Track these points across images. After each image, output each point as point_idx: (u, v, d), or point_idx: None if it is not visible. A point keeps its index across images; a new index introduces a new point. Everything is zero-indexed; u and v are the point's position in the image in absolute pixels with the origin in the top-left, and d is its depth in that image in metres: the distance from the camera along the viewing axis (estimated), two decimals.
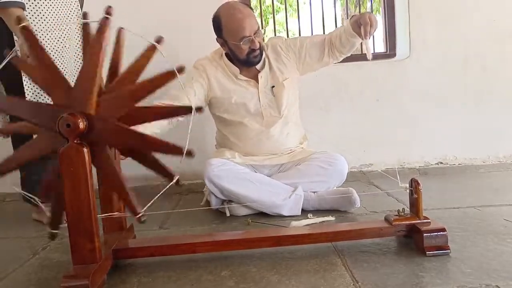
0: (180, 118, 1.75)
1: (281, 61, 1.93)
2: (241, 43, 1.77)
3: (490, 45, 2.42)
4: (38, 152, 1.15)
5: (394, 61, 2.49)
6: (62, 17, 1.73)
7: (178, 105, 1.10)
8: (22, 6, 1.58)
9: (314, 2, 2.58)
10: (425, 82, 2.44)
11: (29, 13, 1.63)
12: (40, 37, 1.65)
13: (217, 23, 1.83)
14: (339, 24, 2.64)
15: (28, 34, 1.09)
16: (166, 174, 1.13)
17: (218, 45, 1.94)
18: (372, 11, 3.44)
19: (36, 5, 1.65)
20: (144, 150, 1.14)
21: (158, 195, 1.12)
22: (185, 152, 1.04)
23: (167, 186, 1.11)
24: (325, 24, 2.58)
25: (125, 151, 1.20)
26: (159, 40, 1.10)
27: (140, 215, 1.09)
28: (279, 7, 7.88)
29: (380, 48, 2.66)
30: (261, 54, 1.86)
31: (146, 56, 1.12)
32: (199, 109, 1.05)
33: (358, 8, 3.07)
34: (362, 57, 2.58)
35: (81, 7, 1.89)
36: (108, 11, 1.07)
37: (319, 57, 1.94)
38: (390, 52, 2.54)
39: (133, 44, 1.16)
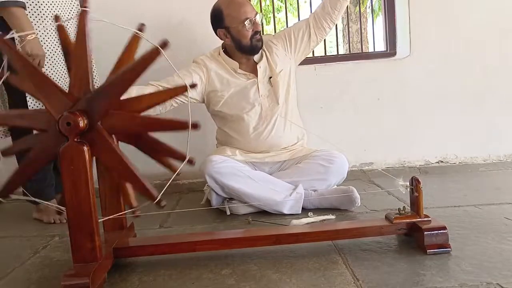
0: (174, 104, 1.80)
1: (274, 54, 1.96)
2: (245, 24, 1.81)
3: (490, 44, 2.41)
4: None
5: (395, 60, 2.48)
6: (62, 16, 1.73)
7: (173, 86, 1.09)
8: (23, 6, 1.58)
9: (314, 1, 2.58)
10: (426, 81, 2.44)
11: (29, 12, 1.63)
12: (40, 36, 1.65)
13: (218, 13, 1.86)
14: (339, 23, 2.63)
15: (8, 49, 1.09)
16: (178, 156, 1.12)
17: (216, 44, 1.96)
18: (372, 10, 3.45)
19: (36, 4, 1.65)
20: (147, 130, 1.13)
21: (162, 191, 1.11)
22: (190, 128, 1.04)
23: (183, 165, 1.11)
24: None
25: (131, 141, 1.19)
26: (141, 29, 1.09)
27: (158, 199, 1.08)
28: (280, 6, 7.88)
29: (381, 46, 2.66)
30: (262, 40, 1.90)
31: (130, 46, 1.11)
32: (193, 86, 1.05)
33: (358, 6, 3.07)
34: (362, 56, 2.59)
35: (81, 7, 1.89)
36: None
37: (307, 38, 1.98)
38: (390, 50, 2.54)
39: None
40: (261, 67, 1.93)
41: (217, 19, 1.87)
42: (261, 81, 1.92)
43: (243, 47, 1.87)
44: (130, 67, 1.08)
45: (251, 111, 1.90)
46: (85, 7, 1.05)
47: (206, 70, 1.90)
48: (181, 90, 1.09)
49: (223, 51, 1.94)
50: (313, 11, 2.00)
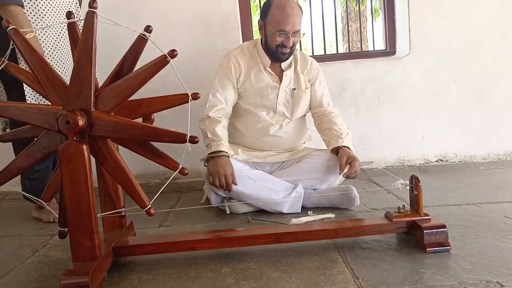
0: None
1: (306, 72, 1.96)
2: (277, 34, 1.79)
3: (490, 42, 2.41)
4: (35, 161, 1.16)
5: (394, 59, 2.48)
6: (61, 15, 1.72)
7: (176, 94, 1.11)
8: (21, 4, 1.58)
9: (314, 1, 2.57)
10: (425, 80, 2.44)
11: (27, 10, 1.63)
12: (39, 35, 1.65)
13: (267, 7, 1.85)
14: (338, 22, 2.63)
15: (19, 37, 1.08)
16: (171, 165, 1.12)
17: (218, 45, 1.96)
18: (372, 8, 3.44)
19: (34, 2, 1.65)
20: (147, 140, 1.14)
21: (161, 190, 1.11)
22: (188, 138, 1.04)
23: (173, 175, 1.10)
24: (324, 22, 2.57)
25: (130, 145, 1.19)
26: (147, 29, 1.10)
27: (148, 207, 1.10)
28: None
29: (380, 45, 2.66)
30: (289, 55, 1.88)
31: (136, 49, 1.12)
32: (195, 94, 1.06)
33: (358, 5, 3.06)
34: (362, 55, 2.59)
35: (80, 5, 1.89)
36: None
37: (308, 104, 1.98)
38: (390, 49, 2.54)
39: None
40: (287, 75, 1.92)
41: (264, 10, 1.86)
42: (283, 89, 1.91)
43: (268, 48, 1.87)
44: (139, 72, 1.08)
45: (265, 112, 1.91)
46: (93, 7, 1.04)
47: (238, 66, 1.89)
48: (179, 101, 1.10)
49: (260, 42, 1.93)
50: (326, 116, 1.96)
